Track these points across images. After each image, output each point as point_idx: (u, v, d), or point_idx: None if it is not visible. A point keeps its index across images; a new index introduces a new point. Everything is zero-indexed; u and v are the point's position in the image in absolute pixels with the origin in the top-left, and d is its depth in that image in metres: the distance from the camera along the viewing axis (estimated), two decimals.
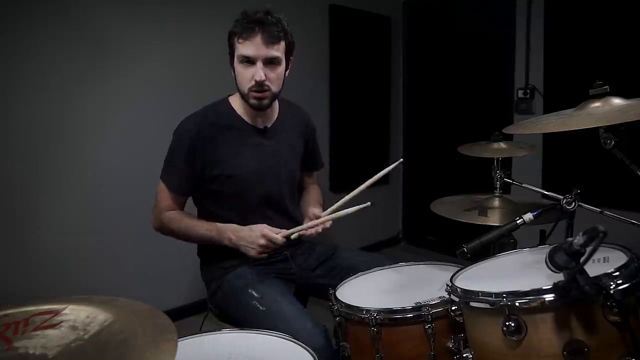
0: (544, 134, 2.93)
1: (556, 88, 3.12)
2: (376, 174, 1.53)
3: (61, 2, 2.34)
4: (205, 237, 1.52)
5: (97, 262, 2.52)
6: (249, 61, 1.44)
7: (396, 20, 4.04)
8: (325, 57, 3.52)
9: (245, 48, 1.43)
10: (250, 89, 1.47)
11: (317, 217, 1.52)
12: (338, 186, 3.58)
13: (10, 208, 2.28)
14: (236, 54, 1.46)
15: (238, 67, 1.48)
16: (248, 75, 1.45)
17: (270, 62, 1.45)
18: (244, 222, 1.54)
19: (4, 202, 2.25)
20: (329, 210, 1.53)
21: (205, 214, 1.63)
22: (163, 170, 1.59)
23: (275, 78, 1.48)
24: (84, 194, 2.49)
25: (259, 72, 1.43)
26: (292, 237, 1.48)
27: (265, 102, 1.50)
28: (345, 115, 3.69)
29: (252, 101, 1.49)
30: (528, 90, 3.26)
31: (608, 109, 1.18)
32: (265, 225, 1.44)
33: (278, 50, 1.45)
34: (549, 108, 3.08)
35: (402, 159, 1.52)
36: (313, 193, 1.81)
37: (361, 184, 1.53)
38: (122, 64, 2.56)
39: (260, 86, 1.45)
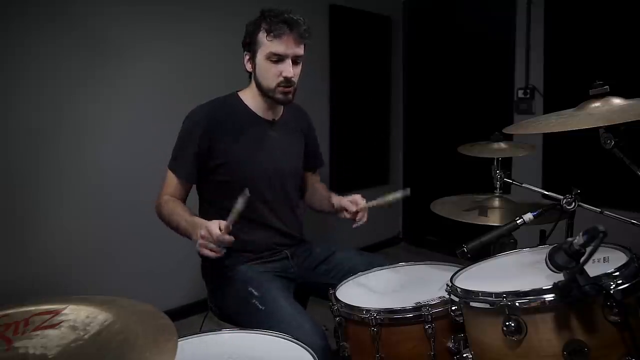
0: (544, 134, 2.93)
1: (556, 88, 3.12)
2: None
3: (61, 2, 2.34)
4: (181, 228, 1.47)
5: (97, 262, 2.52)
6: (279, 59, 1.49)
7: (396, 20, 4.04)
8: (325, 57, 3.52)
9: (276, 46, 1.48)
10: (278, 85, 1.52)
11: (356, 202, 1.53)
12: (338, 186, 3.58)
13: (10, 208, 2.27)
14: (264, 50, 1.50)
15: (264, 63, 1.52)
16: (276, 72, 1.51)
17: (296, 59, 1.52)
18: (247, 212, 1.55)
19: (4, 202, 2.25)
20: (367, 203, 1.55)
21: (208, 206, 1.64)
22: (171, 159, 1.60)
23: (297, 74, 1.56)
24: (84, 194, 2.49)
25: (289, 68, 1.50)
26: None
27: (290, 97, 1.57)
28: (345, 115, 3.68)
29: (279, 96, 1.55)
30: (528, 90, 3.26)
31: (608, 109, 1.18)
32: (222, 222, 1.32)
33: (303, 50, 1.54)
34: (549, 108, 3.08)
35: (409, 189, 1.50)
36: (323, 188, 1.83)
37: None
38: (122, 64, 2.56)
39: (288, 82, 1.52)
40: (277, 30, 1.47)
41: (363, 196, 1.57)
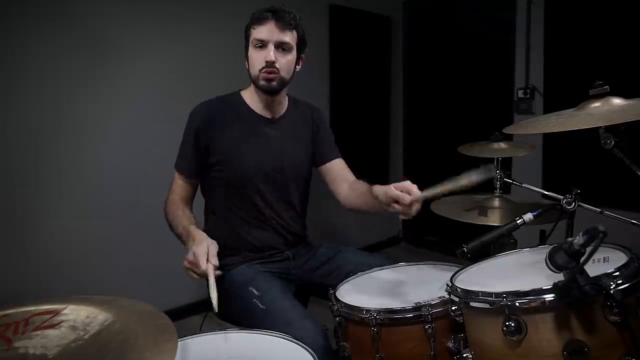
0: (544, 134, 2.93)
1: (556, 88, 3.12)
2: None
3: (61, 2, 2.34)
4: (179, 235, 1.51)
5: (97, 262, 2.52)
6: (262, 45, 1.51)
7: (396, 20, 4.04)
8: (325, 57, 3.52)
9: (258, 32, 1.51)
10: (260, 70, 1.52)
11: (408, 191, 1.26)
12: None
13: (10, 208, 2.27)
14: (250, 39, 1.53)
15: (251, 52, 1.54)
16: (260, 58, 1.51)
17: (282, 47, 1.52)
18: (247, 210, 1.59)
19: (4, 202, 2.25)
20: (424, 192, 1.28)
21: (211, 204, 1.66)
22: (177, 157, 1.63)
23: (285, 63, 1.53)
24: (84, 194, 2.49)
25: (269, 53, 1.50)
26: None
27: (274, 84, 1.54)
28: (345, 115, 3.68)
29: (262, 82, 1.53)
30: (528, 90, 3.26)
31: (608, 108, 1.18)
32: (212, 244, 1.33)
33: (289, 38, 1.52)
34: (549, 108, 3.08)
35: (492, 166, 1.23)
36: (361, 184, 1.64)
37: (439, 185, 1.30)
38: (122, 64, 2.56)
39: (270, 66, 1.51)
40: (260, 17, 1.50)
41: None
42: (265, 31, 1.49)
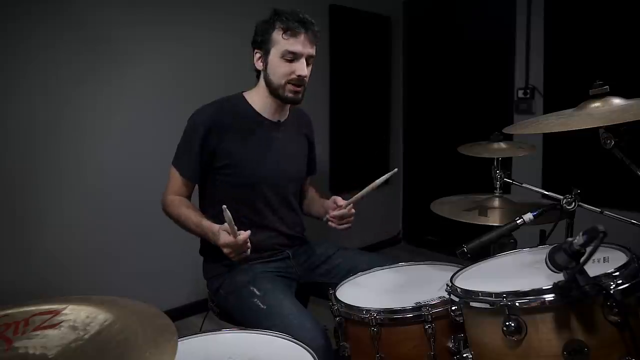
0: (544, 134, 2.93)
1: (556, 88, 3.12)
2: (375, 176, 1.58)
3: (61, 2, 2.34)
4: (192, 231, 1.54)
5: (97, 262, 2.52)
6: (294, 57, 1.51)
7: (396, 20, 4.04)
8: (325, 57, 3.52)
9: (292, 45, 1.50)
10: (288, 82, 1.53)
11: (338, 205, 1.62)
12: (338, 186, 3.58)
13: (10, 208, 2.27)
14: (279, 49, 1.51)
15: (278, 61, 1.53)
16: (288, 70, 1.52)
17: (308, 60, 1.54)
18: (249, 213, 1.59)
19: (4, 202, 2.25)
20: (348, 200, 1.62)
21: (209, 205, 1.64)
22: (175, 156, 1.62)
23: (309, 75, 1.57)
24: (84, 194, 2.49)
25: (303, 67, 1.51)
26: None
27: (300, 96, 1.57)
28: (345, 115, 3.68)
29: (289, 94, 1.55)
30: (528, 90, 3.26)
31: (608, 109, 1.18)
32: (223, 225, 1.40)
33: (315, 50, 1.55)
34: (549, 108, 3.08)
35: (396, 169, 1.61)
36: (319, 195, 1.86)
37: (362, 187, 1.58)
38: (122, 64, 2.56)
39: (301, 81, 1.53)
40: (293, 29, 1.49)
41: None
42: (298, 44, 1.50)
